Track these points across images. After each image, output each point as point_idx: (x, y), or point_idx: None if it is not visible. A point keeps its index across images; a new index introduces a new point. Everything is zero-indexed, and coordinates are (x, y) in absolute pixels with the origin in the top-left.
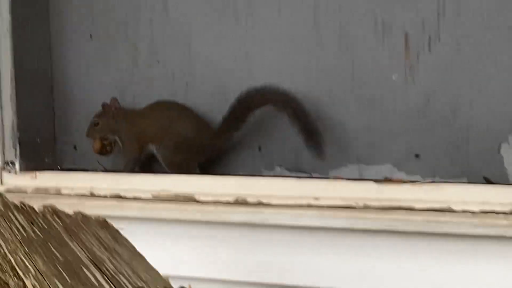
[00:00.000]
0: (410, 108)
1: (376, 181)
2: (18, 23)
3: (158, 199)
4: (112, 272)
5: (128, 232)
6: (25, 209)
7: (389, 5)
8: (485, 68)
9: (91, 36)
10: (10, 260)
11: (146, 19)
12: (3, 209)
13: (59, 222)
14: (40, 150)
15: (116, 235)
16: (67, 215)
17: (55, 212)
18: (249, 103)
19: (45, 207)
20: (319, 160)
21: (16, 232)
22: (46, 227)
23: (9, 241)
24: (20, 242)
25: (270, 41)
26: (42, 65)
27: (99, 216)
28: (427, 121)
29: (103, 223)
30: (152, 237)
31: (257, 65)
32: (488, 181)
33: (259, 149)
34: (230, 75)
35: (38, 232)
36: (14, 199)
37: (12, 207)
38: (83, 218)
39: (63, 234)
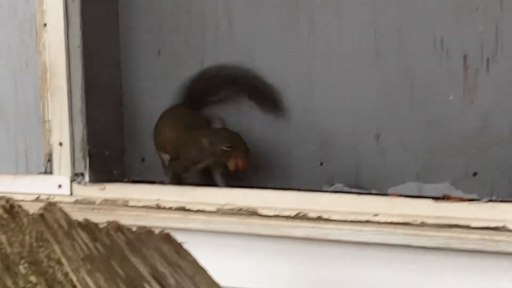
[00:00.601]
0: (468, 128)
1: (433, 198)
2: (89, 38)
3: (222, 212)
4: (173, 287)
5: (192, 244)
6: (88, 226)
7: (448, 25)
8: None
9: (159, 52)
10: (71, 279)
11: (211, 36)
12: (67, 227)
13: (122, 238)
14: (109, 162)
15: (179, 249)
16: (130, 231)
17: (118, 228)
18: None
19: (109, 223)
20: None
21: (79, 250)
22: (109, 244)
23: (72, 259)
24: (83, 260)
25: (331, 59)
26: (111, 80)
27: (162, 230)
28: (485, 140)
29: (167, 238)
30: (215, 249)
31: (318, 83)
32: None
33: (321, 164)
34: (292, 91)
35: (101, 249)
36: (83, 210)
37: (75, 224)
38: (146, 233)
39: (125, 250)
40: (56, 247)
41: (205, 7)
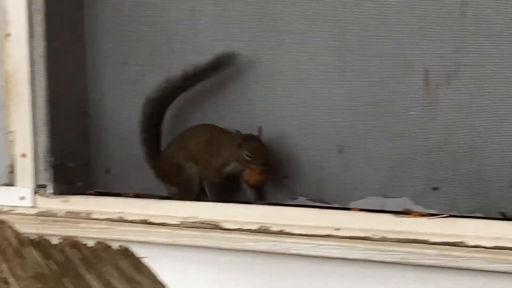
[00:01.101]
0: (429, 143)
1: (394, 213)
2: (53, 48)
3: (184, 225)
4: None
5: (154, 258)
6: (41, 243)
7: (410, 41)
8: (503, 105)
9: (125, 62)
10: None
11: (177, 47)
12: (17, 245)
13: (77, 254)
14: (73, 174)
15: (138, 264)
16: (86, 246)
17: (73, 244)
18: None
19: (64, 239)
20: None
21: (29, 268)
22: (63, 261)
23: (20, 278)
24: (33, 278)
25: (295, 72)
26: (77, 90)
27: (121, 245)
28: (446, 155)
29: (125, 252)
30: (178, 263)
31: (282, 96)
32: (504, 216)
33: (285, 177)
34: (255, 104)
35: (53, 266)
36: (46, 222)
37: (27, 242)
38: (104, 248)
39: (80, 267)
40: (4, 266)
41: (171, 16)
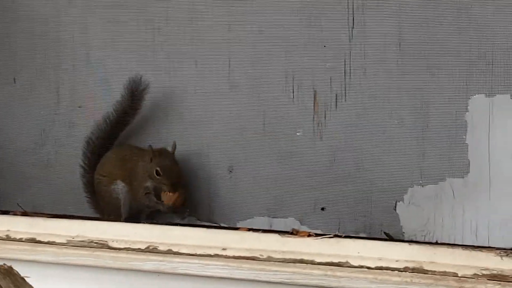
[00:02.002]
0: (317, 163)
1: (280, 233)
2: None
3: (72, 244)
4: None
5: (41, 277)
6: None
7: (299, 62)
8: (389, 127)
9: (14, 80)
10: None
11: (68, 65)
12: None
13: None
14: None
15: (20, 283)
16: None
17: None
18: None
19: None
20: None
21: None
22: None
23: None
24: None
25: (186, 92)
26: None
27: (4, 264)
28: (333, 175)
29: (8, 272)
30: (65, 282)
31: (173, 114)
32: (388, 237)
33: None
34: (147, 121)
35: None
36: None
37: None
38: None
39: None
40: None
41: (61, 34)
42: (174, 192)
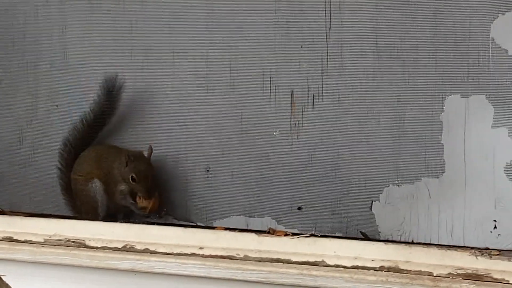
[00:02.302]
0: (294, 163)
1: (257, 232)
2: None
3: (49, 243)
4: None
5: (18, 276)
6: None
7: (276, 62)
8: (364, 127)
9: None
10: None
11: (46, 65)
12: None
13: None
14: None
15: None
16: None
17: None
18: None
19: None
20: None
21: None
22: None
23: None
24: None
25: (164, 91)
26: None
27: None
28: (310, 175)
29: None
30: (42, 281)
31: (151, 114)
32: (365, 236)
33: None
34: (124, 121)
35: None
36: None
37: None
38: None
39: None
40: None
41: (39, 34)
42: (149, 199)
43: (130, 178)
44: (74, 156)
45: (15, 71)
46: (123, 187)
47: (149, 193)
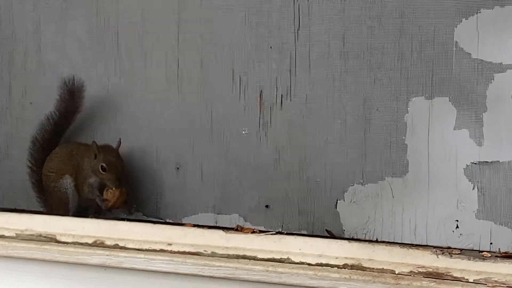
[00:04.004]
0: (262, 162)
1: (224, 229)
2: None
3: (21, 238)
4: None
5: None
6: None
7: (246, 62)
8: (331, 127)
9: None
10: None
11: (20, 61)
12: None
13: None
14: None
15: None
16: None
17: None
18: None
19: None
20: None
21: None
22: None
23: None
24: None
25: (135, 89)
26: None
27: None
28: (277, 174)
29: None
30: (14, 276)
31: (123, 112)
32: (330, 234)
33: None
34: (96, 120)
35: None
36: None
37: None
38: None
39: None
40: None
41: (14, 30)
42: (119, 188)
43: (100, 168)
44: (43, 154)
45: None
46: (92, 180)
47: (119, 182)
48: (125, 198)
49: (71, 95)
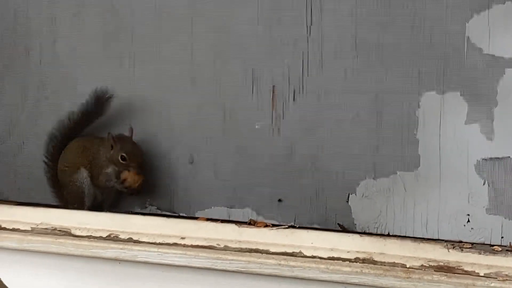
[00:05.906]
0: (275, 156)
1: (237, 223)
2: None
3: (36, 231)
4: None
5: (6, 263)
6: None
7: (259, 57)
8: (343, 122)
9: None
10: None
11: (35, 58)
12: None
13: None
14: None
15: None
16: None
17: None
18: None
19: None
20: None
21: None
22: None
23: None
24: None
25: (148, 84)
26: None
27: None
28: (290, 168)
29: None
30: (29, 269)
31: (136, 106)
32: (342, 228)
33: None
34: (110, 114)
35: None
36: None
37: None
38: None
39: None
40: None
41: (29, 27)
42: (140, 174)
43: (120, 158)
44: (59, 150)
45: (6, 63)
46: (109, 169)
47: (140, 168)
48: (141, 183)
49: (99, 103)
